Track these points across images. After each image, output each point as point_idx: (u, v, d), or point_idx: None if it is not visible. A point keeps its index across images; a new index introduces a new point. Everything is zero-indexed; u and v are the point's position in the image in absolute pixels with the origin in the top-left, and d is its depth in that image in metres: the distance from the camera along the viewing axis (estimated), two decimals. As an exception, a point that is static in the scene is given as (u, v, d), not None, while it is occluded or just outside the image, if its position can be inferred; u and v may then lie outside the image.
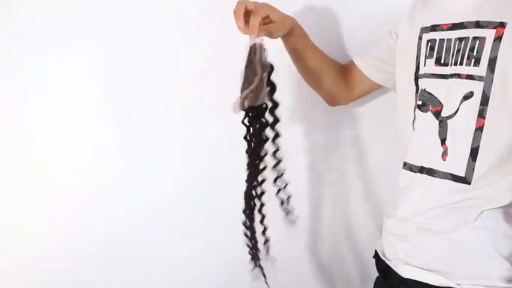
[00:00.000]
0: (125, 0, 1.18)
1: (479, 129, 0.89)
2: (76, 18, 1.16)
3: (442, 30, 0.97)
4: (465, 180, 0.91)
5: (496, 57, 0.87)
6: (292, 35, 1.08)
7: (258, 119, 0.97)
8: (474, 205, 0.92)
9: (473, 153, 0.90)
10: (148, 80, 1.21)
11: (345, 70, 1.19)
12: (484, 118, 0.88)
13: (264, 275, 1.09)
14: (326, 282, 1.34)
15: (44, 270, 1.22)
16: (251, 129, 0.99)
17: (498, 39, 0.87)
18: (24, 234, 1.19)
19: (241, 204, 1.23)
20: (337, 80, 1.18)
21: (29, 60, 1.15)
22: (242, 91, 0.94)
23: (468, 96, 0.90)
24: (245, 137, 1.01)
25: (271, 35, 1.01)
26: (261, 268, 1.09)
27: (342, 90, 1.19)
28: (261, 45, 0.94)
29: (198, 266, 1.30)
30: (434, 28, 0.99)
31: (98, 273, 1.25)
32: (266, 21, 0.98)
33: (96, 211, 1.23)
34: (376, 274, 1.11)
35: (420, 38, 1.01)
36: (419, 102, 1.00)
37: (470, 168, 0.90)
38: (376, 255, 1.11)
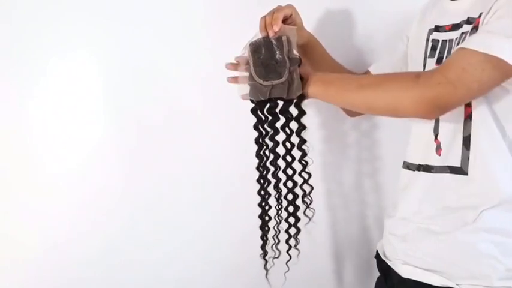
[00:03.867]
0: (129, 3, 1.17)
1: (468, 117, 0.91)
2: (76, 18, 1.15)
3: (445, 31, 0.98)
4: (462, 170, 0.92)
5: None
6: (310, 46, 1.09)
7: (285, 110, 0.98)
8: (473, 205, 0.92)
9: (466, 142, 0.91)
10: (148, 81, 1.20)
11: None
12: (470, 106, 0.90)
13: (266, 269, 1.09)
14: (327, 282, 1.34)
15: (43, 270, 1.21)
16: (269, 118, 1.00)
17: (475, 28, 0.89)
18: (23, 234, 1.19)
19: (240, 203, 1.25)
20: None
21: (28, 60, 1.14)
22: (265, 80, 0.95)
23: None
24: (257, 126, 1.01)
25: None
26: (266, 262, 1.09)
27: None
28: (288, 39, 0.96)
29: (198, 264, 1.30)
30: (437, 29, 1.00)
31: (98, 273, 1.25)
32: (289, 21, 1.01)
33: (97, 211, 1.22)
34: (377, 274, 1.12)
35: (427, 39, 1.02)
36: None
37: (465, 158, 0.91)
38: (377, 255, 1.11)
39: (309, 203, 1.07)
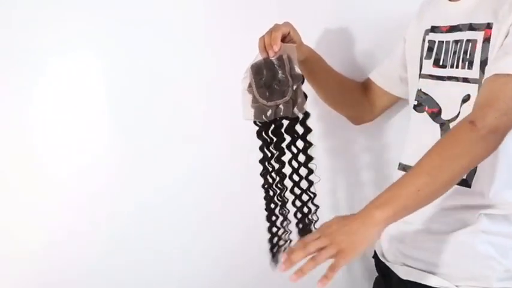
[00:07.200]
0: (130, 4, 1.17)
1: None
2: (76, 18, 1.15)
3: (441, 32, 0.97)
4: (466, 182, 0.91)
5: (486, 59, 0.87)
6: (311, 61, 1.09)
7: (291, 129, 0.97)
8: (473, 208, 0.92)
9: None
10: (148, 80, 1.21)
11: (364, 87, 1.19)
12: None
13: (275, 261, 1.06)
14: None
15: (43, 270, 1.22)
16: (275, 139, 0.98)
17: (487, 40, 0.88)
18: (23, 234, 1.19)
19: (240, 203, 1.25)
20: (359, 99, 1.18)
21: (28, 60, 1.15)
22: (269, 101, 0.94)
23: (466, 99, 0.91)
24: (264, 148, 0.99)
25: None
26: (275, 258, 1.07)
27: (364, 108, 1.18)
28: (289, 57, 0.95)
29: (198, 264, 1.30)
30: (433, 30, 0.99)
31: (98, 272, 1.25)
32: (287, 39, 1.00)
33: (98, 211, 1.23)
34: (375, 274, 1.12)
35: (423, 40, 1.01)
36: (415, 102, 1.01)
37: (472, 171, 0.90)
38: (375, 256, 1.11)
39: (315, 221, 1.06)
